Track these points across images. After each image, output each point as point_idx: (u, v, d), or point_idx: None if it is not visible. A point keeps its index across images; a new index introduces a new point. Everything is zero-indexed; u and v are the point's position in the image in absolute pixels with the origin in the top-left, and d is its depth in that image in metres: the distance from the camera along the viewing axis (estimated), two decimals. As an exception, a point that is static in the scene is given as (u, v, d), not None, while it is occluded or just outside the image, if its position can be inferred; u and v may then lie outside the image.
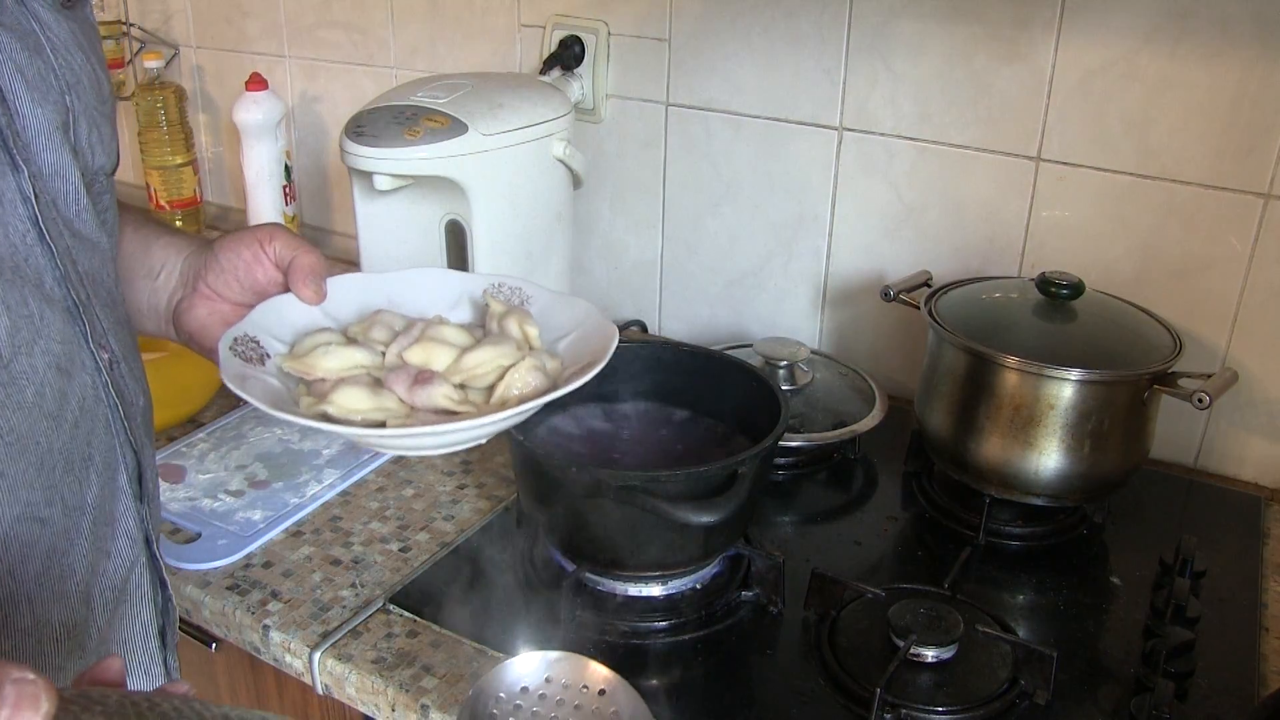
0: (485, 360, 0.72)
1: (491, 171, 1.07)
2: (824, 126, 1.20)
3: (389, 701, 0.79)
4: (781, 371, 1.11)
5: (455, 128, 1.04)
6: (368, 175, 1.06)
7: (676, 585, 0.88)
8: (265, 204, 1.56)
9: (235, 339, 0.71)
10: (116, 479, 0.65)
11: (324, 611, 0.87)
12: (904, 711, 0.75)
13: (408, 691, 0.78)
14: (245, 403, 0.65)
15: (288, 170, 1.57)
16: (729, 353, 1.12)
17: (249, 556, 0.94)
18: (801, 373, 1.13)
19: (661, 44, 1.27)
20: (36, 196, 0.59)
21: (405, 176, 1.06)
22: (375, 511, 1.00)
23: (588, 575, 0.87)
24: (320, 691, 0.83)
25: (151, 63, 1.63)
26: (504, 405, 0.70)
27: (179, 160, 1.68)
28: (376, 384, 0.71)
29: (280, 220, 1.57)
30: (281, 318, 0.75)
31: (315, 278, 0.76)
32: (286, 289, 0.77)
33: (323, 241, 1.67)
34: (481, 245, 1.09)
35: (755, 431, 0.87)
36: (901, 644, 0.78)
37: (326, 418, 0.68)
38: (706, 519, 0.77)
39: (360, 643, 0.83)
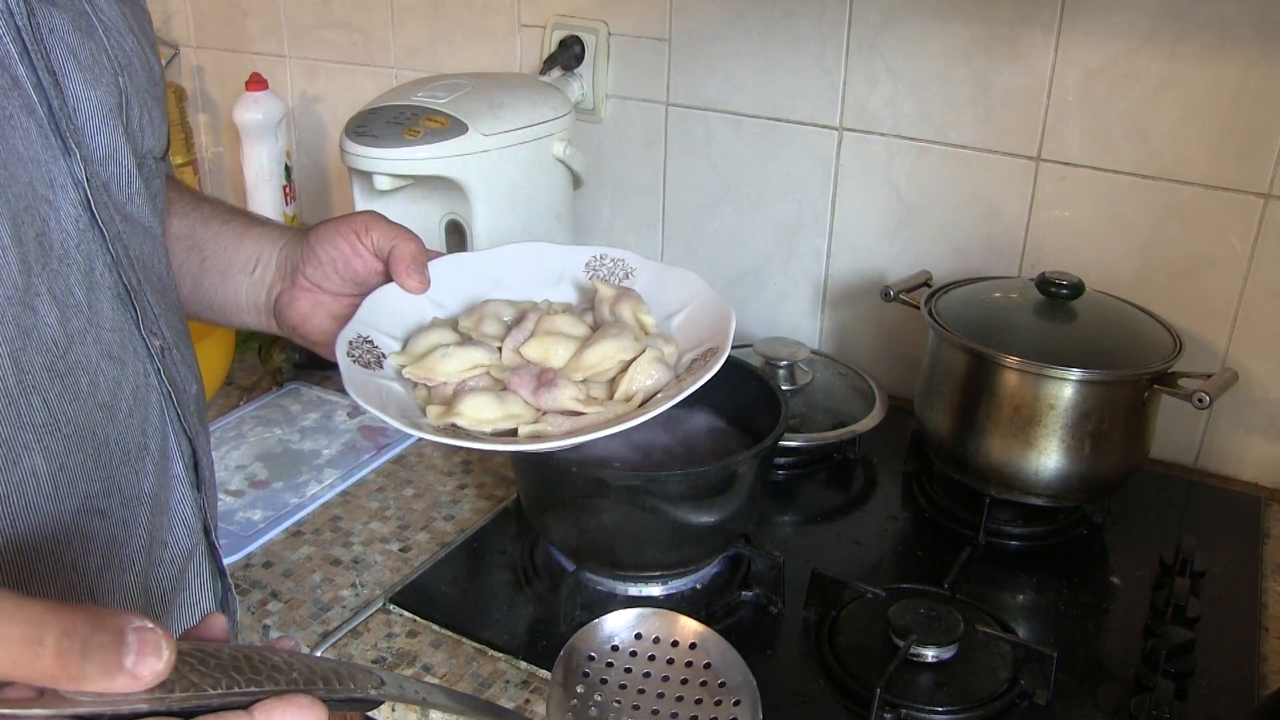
0: (607, 355, 0.72)
1: (491, 171, 1.07)
2: (824, 126, 1.20)
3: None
4: (781, 371, 1.11)
5: (455, 128, 1.04)
6: (368, 175, 1.06)
7: (676, 585, 0.88)
8: (265, 204, 1.56)
9: (350, 342, 0.71)
10: (171, 467, 0.65)
11: (324, 611, 0.87)
12: (904, 711, 0.75)
13: (408, 691, 0.78)
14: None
15: (288, 170, 1.57)
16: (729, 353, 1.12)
17: (249, 556, 0.94)
18: (801, 373, 1.13)
19: (661, 44, 1.27)
20: (88, 180, 0.58)
21: (405, 176, 1.06)
22: (375, 511, 1.00)
23: (588, 575, 0.87)
24: (320, 691, 0.83)
25: (151, 63, 1.62)
26: (629, 400, 0.70)
27: (179, 160, 1.68)
28: (497, 384, 0.71)
29: (280, 220, 1.57)
30: (389, 311, 0.75)
31: (418, 266, 0.76)
32: (387, 278, 0.76)
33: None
34: (482, 245, 1.09)
35: (755, 431, 0.87)
36: (901, 644, 0.78)
37: (456, 428, 0.68)
38: (706, 519, 0.77)
39: (360, 643, 0.83)
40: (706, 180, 1.29)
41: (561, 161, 1.15)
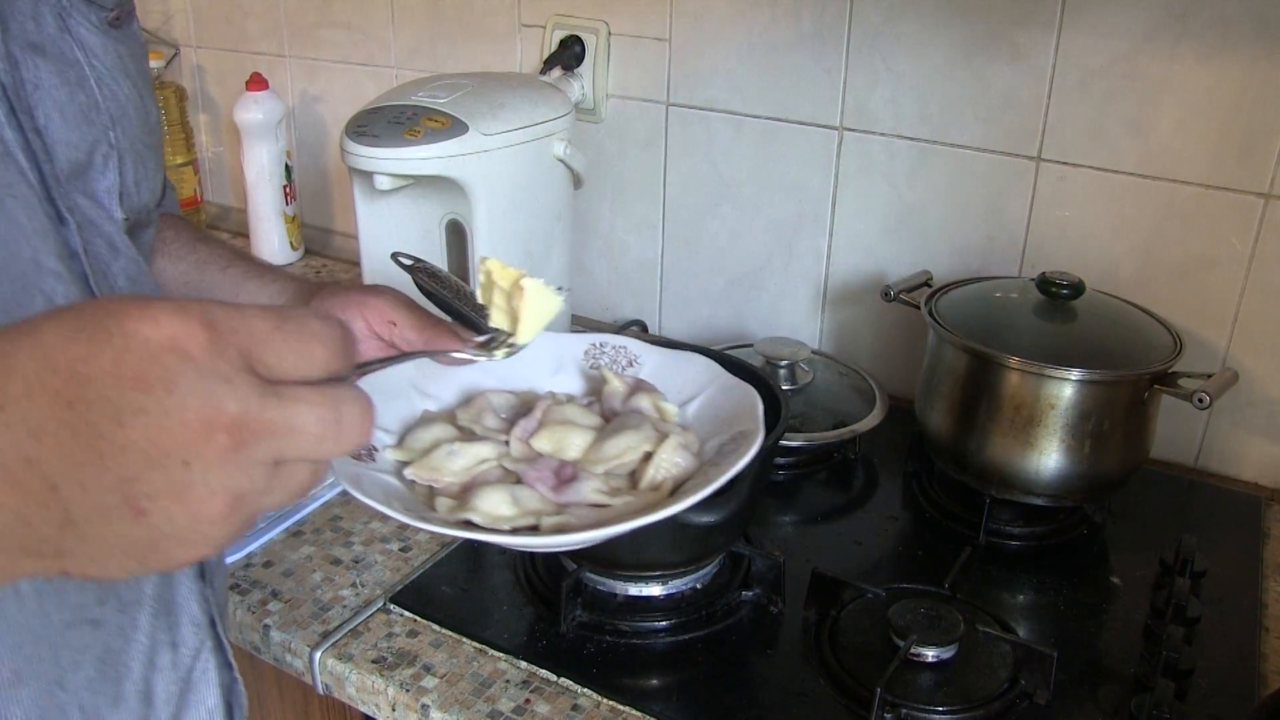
0: (630, 446, 0.68)
1: (492, 171, 1.07)
2: (824, 126, 1.20)
3: (389, 701, 0.79)
4: (782, 371, 1.11)
5: (456, 128, 1.04)
6: (368, 175, 1.06)
7: (676, 585, 0.87)
8: (265, 204, 1.56)
9: None
10: None
11: (324, 611, 0.87)
12: (904, 711, 0.75)
13: (408, 691, 0.78)
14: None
15: (288, 170, 1.57)
16: (729, 353, 1.12)
17: (249, 556, 0.94)
18: (802, 373, 1.13)
19: (661, 44, 1.27)
20: (85, 249, 0.54)
21: (406, 176, 1.06)
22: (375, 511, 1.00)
23: (588, 575, 0.87)
24: (321, 691, 0.83)
25: (152, 62, 1.62)
26: (656, 490, 0.67)
27: (179, 160, 1.68)
28: (509, 475, 0.68)
29: (280, 220, 1.57)
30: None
31: (464, 342, 0.69)
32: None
33: (323, 241, 1.67)
34: (482, 245, 1.09)
35: (755, 431, 0.87)
36: (901, 644, 0.78)
37: (470, 524, 0.64)
38: (706, 519, 0.77)
39: (360, 642, 0.83)
40: (706, 180, 1.29)
41: (562, 161, 1.15)
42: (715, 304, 1.35)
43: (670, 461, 0.68)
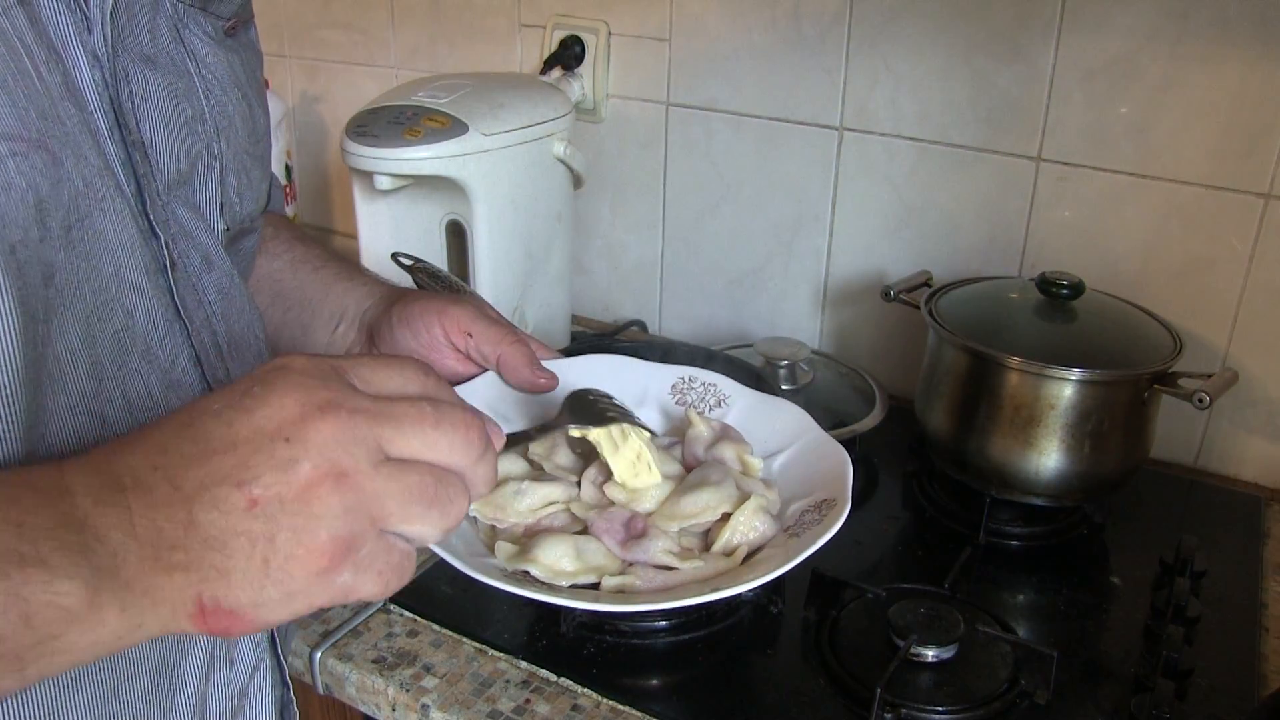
0: (708, 505, 0.66)
1: (492, 171, 1.07)
2: (824, 126, 1.20)
3: (389, 701, 0.79)
4: (782, 371, 1.11)
5: (456, 128, 1.04)
6: (368, 175, 1.06)
7: (677, 585, 0.87)
8: (265, 204, 1.56)
9: None
10: None
11: (324, 611, 0.87)
12: (904, 711, 0.75)
13: (408, 691, 0.78)
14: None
15: (288, 170, 1.57)
16: (729, 353, 1.12)
17: (249, 556, 0.93)
18: (802, 373, 1.13)
19: (661, 44, 1.27)
20: (173, 264, 0.53)
21: (406, 176, 1.06)
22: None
23: (588, 575, 0.87)
24: (320, 691, 0.83)
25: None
26: (730, 554, 0.65)
27: (179, 160, 1.68)
28: (575, 522, 0.66)
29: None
30: None
31: (539, 365, 0.70)
32: (461, 378, 0.70)
33: (323, 241, 1.67)
34: (482, 245, 1.10)
35: (755, 431, 0.87)
36: (901, 644, 0.78)
37: (529, 575, 0.63)
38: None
39: (361, 642, 0.83)
40: (706, 180, 1.29)
41: (562, 161, 1.15)
42: (715, 304, 1.35)
43: (749, 526, 0.66)
